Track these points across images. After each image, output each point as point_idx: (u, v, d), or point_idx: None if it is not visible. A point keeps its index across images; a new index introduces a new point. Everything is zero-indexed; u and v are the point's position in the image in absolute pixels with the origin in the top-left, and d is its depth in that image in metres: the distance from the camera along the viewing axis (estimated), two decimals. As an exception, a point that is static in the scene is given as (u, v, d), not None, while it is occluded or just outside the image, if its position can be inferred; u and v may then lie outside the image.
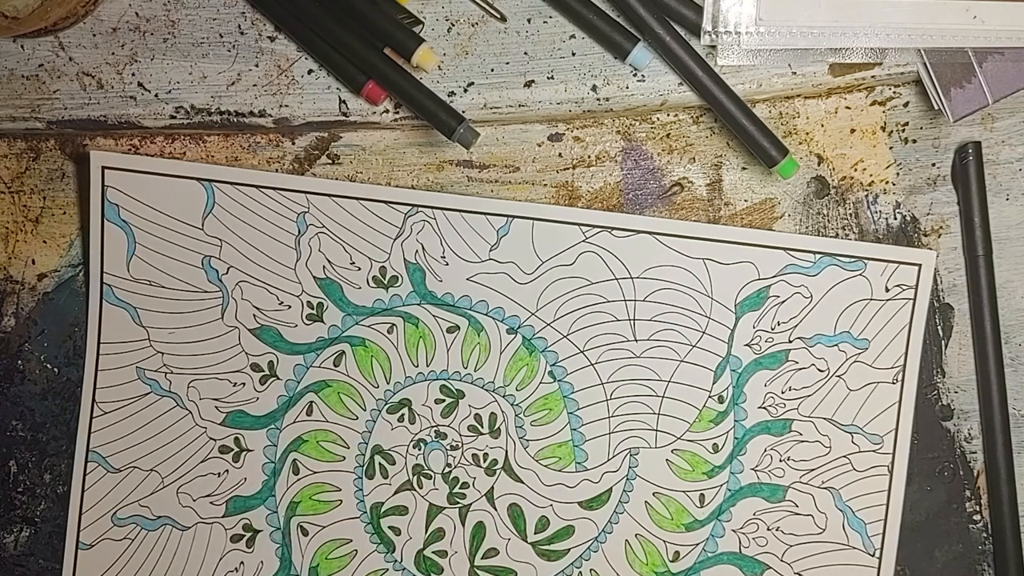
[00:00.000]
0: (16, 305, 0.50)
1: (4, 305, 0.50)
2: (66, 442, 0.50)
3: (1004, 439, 0.49)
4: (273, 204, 0.49)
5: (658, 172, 0.49)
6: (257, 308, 0.49)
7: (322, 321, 0.49)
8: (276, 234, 0.49)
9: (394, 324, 0.49)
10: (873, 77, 0.48)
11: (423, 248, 0.49)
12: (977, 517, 0.50)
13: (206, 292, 0.49)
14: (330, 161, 0.49)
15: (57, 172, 0.49)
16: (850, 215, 0.49)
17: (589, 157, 0.49)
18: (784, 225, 0.49)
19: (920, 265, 0.48)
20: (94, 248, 0.49)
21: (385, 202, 0.49)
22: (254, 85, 0.48)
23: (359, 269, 0.49)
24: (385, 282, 0.49)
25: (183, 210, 0.49)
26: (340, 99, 0.48)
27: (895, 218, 0.49)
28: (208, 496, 0.50)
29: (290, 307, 0.49)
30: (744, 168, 0.49)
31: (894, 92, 0.49)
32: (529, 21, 0.48)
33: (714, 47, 0.47)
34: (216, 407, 0.50)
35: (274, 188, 0.49)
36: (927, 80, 0.47)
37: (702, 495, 0.50)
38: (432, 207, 0.49)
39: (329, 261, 0.49)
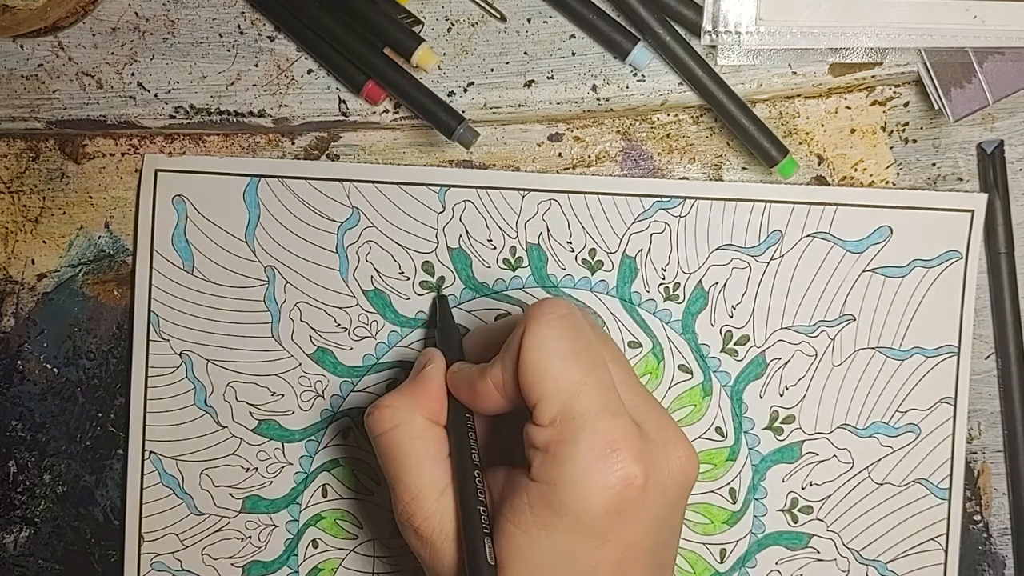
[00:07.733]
0: (16, 305, 0.50)
1: (3, 305, 0.50)
2: (65, 442, 0.50)
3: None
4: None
5: (658, 172, 0.49)
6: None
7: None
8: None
9: None
10: (873, 77, 0.48)
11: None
12: (977, 517, 0.50)
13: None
14: (330, 161, 0.49)
15: (57, 172, 0.49)
16: (850, 215, 0.49)
17: (589, 157, 0.49)
18: (784, 225, 0.49)
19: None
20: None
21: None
22: (254, 85, 0.48)
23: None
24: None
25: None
26: (340, 99, 0.48)
27: (895, 218, 0.49)
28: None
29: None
30: (744, 168, 0.49)
31: (894, 92, 0.49)
32: (529, 21, 0.48)
33: (714, 47, 0.47)
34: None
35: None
36: (927, 80, 0.47)
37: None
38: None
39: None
